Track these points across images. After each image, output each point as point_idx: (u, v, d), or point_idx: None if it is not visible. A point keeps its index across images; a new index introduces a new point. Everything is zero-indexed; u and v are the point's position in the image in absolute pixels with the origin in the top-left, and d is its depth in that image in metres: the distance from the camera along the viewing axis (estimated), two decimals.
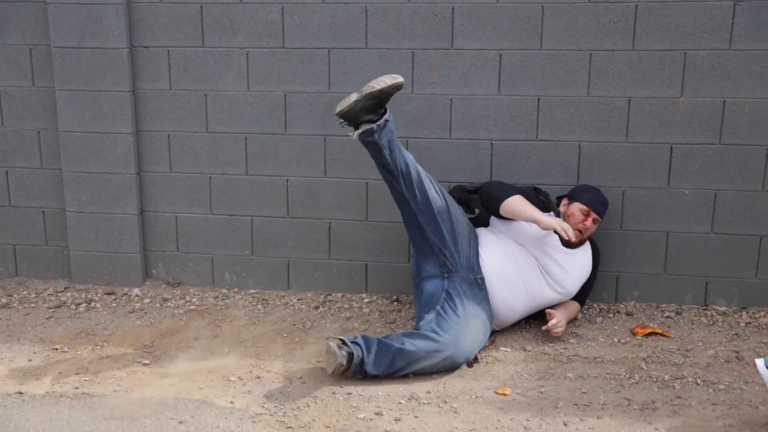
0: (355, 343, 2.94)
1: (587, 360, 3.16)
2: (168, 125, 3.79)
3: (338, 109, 3.07)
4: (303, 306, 3.72)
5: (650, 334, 3.39)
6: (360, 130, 3.09)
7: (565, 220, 3.33)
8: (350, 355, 2.90)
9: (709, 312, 3.59)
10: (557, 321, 3.25)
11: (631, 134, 3.53)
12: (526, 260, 3.29)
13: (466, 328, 3.08)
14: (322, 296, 3.81)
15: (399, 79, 3.06)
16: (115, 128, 3.78)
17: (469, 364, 3.09)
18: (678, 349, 3.24)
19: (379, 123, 3.08)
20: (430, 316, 3.09)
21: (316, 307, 3.70)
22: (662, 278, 3.66)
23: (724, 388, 2.93)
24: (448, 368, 3.03)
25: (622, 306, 3.66)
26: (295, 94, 3.67)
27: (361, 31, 3.57)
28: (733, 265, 3.59)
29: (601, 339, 3.35)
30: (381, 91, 3.03)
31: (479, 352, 3.17)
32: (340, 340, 2.96)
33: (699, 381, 2.97)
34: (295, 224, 3.81)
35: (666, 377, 3.00)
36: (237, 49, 3.66)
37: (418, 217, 3.21)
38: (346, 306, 3.71)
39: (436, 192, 3.24)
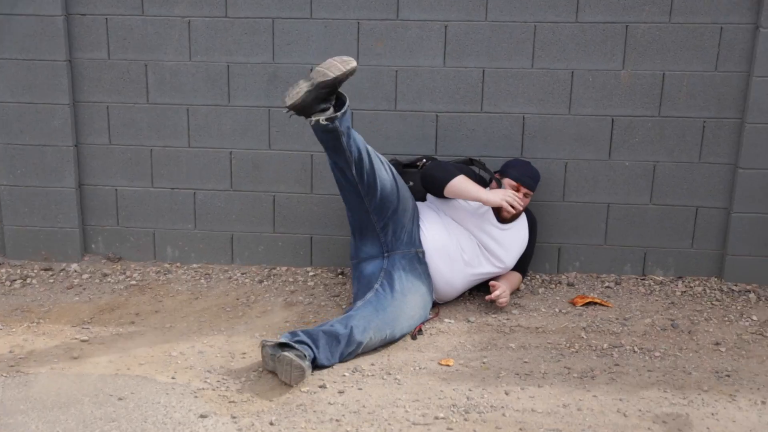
0: (300, 342, 2.79)
1: (529, 330, 3.20)
2: (107, 96, 3.70)
3: (289, 101, 2.85)
4: (247, 280, 3.69)
5: (590, 303, 3.45)
6: (320, 118, 2.88)
7: None
8: (303, 357, 2.73)
9: (646, 282, 3.66)
10: (501, 291, 3.29)
11: (573, 106, 3.56)
12: (465, 236, 3.32)
13: (404, 304, 3.08)
14: (266, 270, 3.79)
15: (352, 63, 2.85)
16: (52, 99, 3.67)
17: (413, 336, 3.11)
18: (617, 319, 3.31)
19: (342, 111, 2.90)
20: (369, 296, 3.08)
21: (260, 281, 3.68)
22: (602, 249, 3.72)
23: (659, 355, 3.00)
24: (388, 343, 3.04)
25: (563, 277, 3.72)
26: (238, 65, 3.61)
27: (306, 0, 3.53)
28: (670, 235, 3.67)
29: (543, 309, 3.40)
30: (335, 79, 2.83)
31: (423, 324, 3.19)
32: (286, 344, 2.76)
33: (636, 349, 3.04)
34: (239, 197, 3.77)
35: (605, 346, 3.06)
36: (178, 18, 3.58)
37: (365, 201, 3.13)
38: (291, 279, 3.70)
39: (386, 171, 3.15)
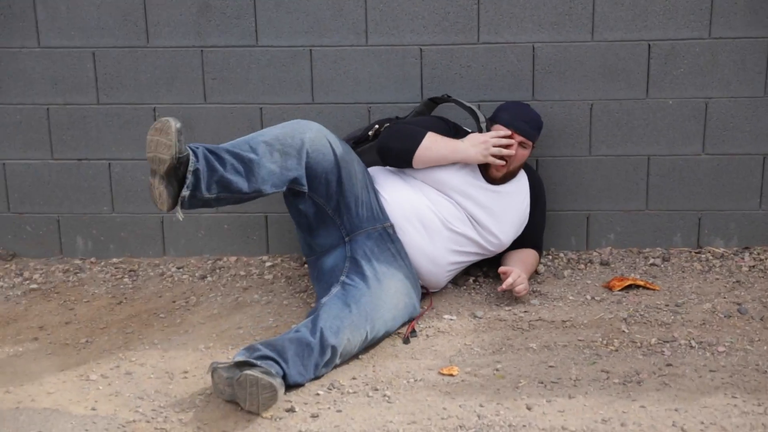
0: (263, 358, 2.72)
1: (554, 325, 3.20)
2: None
3: (164, 207, 2.90)
4: (185, 276, 3.67)
5: (631, 287, 3.44)
6: (178, 212, 2.94)
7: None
8: (271, 374, 2.68)
9: (703, 256, 3.67)
10: (516, 277, 3.27)
11: (598, 30, 3.54)
12: (443, 200, 3.31)
13: (381, 292, 3.07)
14: (209, 262, 3.78)
15: (171, 124, 2.80)
16: None
17: (405, 339, 3.09)
18: (666, 305, 3.31)
19: (188, 185, 2.88)
20: (335, 290, 3.06)
21: (203, 277, 3.66)
22: (644, 216, 3.72)
23: (724, 350, 3.00)
24: (371, 345, 3.03)
25: (595, 254, 3.72)
26: None
27: None
28: (731, 194, 3.68)
29: (571, 297, 3.39)
30: (175, 158, 2.80)
31: (415, 321, 3.18)
32: (245, 363, 2.69)
33: (693, 343, 3.04)
34: None
35: (653, 341, 3.06)
36: None
37: (312, 197, 3.15)
38: (242, 273, 3.69)
39: (324, 156, 3.11)
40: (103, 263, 3.81)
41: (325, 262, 3.23)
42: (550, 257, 3.72)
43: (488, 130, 3.36)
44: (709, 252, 3.69)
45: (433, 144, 3.24)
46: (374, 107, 3.62)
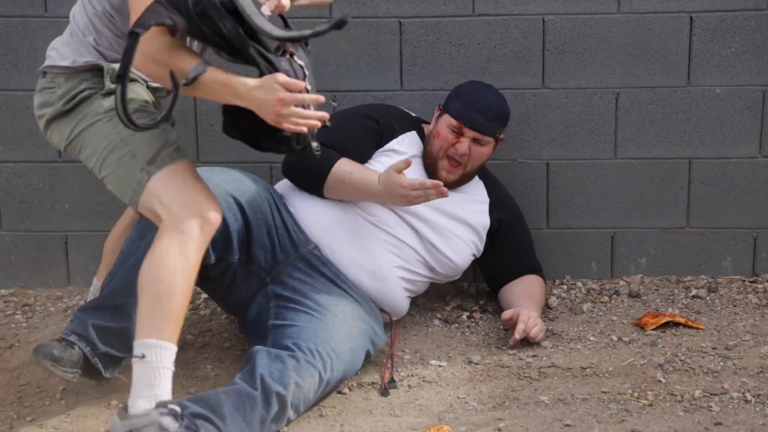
0: (194, 416, 2.68)
1: (571, 373, 3.20)
2: None
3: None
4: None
5: (668, 325, 3.46)
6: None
7: (428, 140, 3.40)
8: None
9: (760, 285, 3.69)
10: (526, 320, 3.28)
11: None
12: (378, 208, 3.34)
13: (327, 319, 3.10)
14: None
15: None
16: None
17: (383, 391, 3.10)
18: (714, 348, 3.32)
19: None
20: (271, 336, 3.10)
21: None
22: (685, 234, 3.75)
23: None
24: (334, 389, 3.05)
25: (622, 283, 3.74)
26: None
27: None
28: None
29: (592, 338, 3.40)
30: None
31: (395, 369, 3.18)
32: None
33: (749, 396, 3.05)
34: (72, 172, 3.76)
35: (696, 393, 3.07)
36: None
37: (219, 259, 3.17)
38: None
39: (230, 219, 3.13)
40: None
41: (249, 312, 3.26)
42: (566, 287, 3.73)
43: (438, 120, 3.39)
44: None
45: (340, 184, 3.23)
46: (341, 96, 3.64)
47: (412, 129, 3.42)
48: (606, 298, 3.66)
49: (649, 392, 3.09)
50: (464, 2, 3.60)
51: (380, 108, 3.48)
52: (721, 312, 3.56)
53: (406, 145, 3.38)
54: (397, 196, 3.15)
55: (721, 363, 3.23)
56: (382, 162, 3.31)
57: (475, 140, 3.35)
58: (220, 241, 3.07)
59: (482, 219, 3.46)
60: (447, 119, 3.37)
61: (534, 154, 3.71)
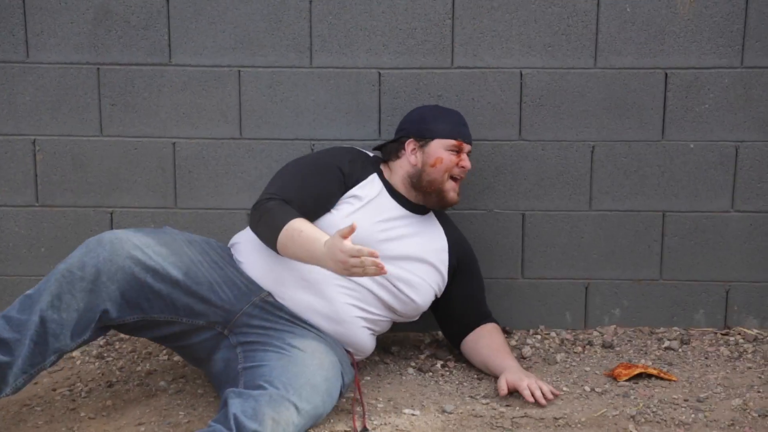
0: None
1: (543, 423, 3.18)
2: None
3: None
4: (73, 354, 3.62)
5: (641, 376, 3.45)
6: None
7: (424, 171, 3.37)
8: None
9: (732, 338, 3.68)
10: (533, 386, 3.25)
11: (602, 54, 3.60)
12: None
13: (296, 356, 3.08)
14: (105, 337, 3.74)
15: None
16: None
17: None
18: (686, 400, 3.31)
19: None
20: (243, 379, 3.08)
21: (98, 357, 3.63)
22: (658, 286, 3.75)
23: None
24: (315, 423, 3.04)
25: (596, 334, 3.74)
26: None
27: None
28: (767, 261, 3.71)
29: (565, 388, 3.39)
30: None
31: (369, 418, 3.16)
32: None
33: None
34: (50, 217, 3.75)
35: None
36: None
37: (157, 318, 3.16)
38: (146, 351, 3.66)
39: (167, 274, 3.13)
40: None
41: (214, 365, 3.23)
42: (539, 337, 3.72)
43: (417, 150, 3.37)
44: (740, 334, 3.71)
45: (289, 244, 3.14)
46: (319, 144, 3.62)
47: (373, 171, 3.39)
48: (579, 349, 3.65)
49: None
50: (443, 55, 3.60)
51: (341, 154, 3.42)
52: (693, 364, 3.55)
53: (367, 190, 3.35)
54: (337, 261, 3.01)
55: (693, 415, 3.23)
56: (339, 210, 3.29)
57: (468, 153, 3.40)
58: (147, 302, 3.10)
59: (443, 257, 3.45)
60: (441, 143, 3.36)
61: (510, 205, 3.70)
